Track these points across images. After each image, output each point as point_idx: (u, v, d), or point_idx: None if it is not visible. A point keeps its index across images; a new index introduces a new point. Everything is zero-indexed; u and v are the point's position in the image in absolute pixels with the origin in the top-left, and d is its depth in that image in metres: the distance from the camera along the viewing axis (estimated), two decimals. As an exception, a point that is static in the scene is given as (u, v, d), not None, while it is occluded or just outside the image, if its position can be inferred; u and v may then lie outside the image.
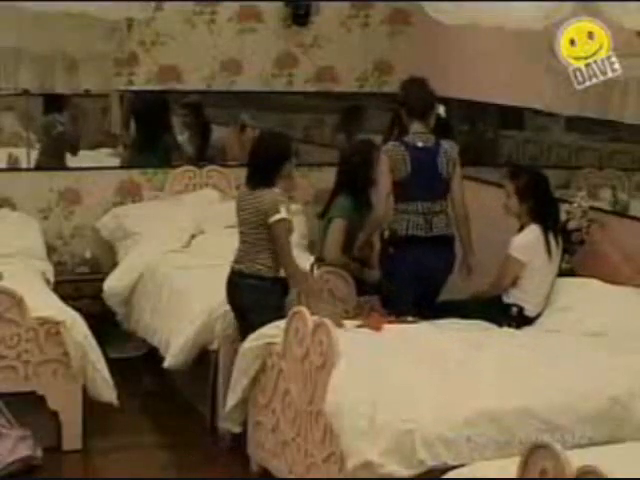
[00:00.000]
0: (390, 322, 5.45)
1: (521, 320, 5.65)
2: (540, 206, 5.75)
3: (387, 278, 6.00)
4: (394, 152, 5.92)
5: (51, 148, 7.58)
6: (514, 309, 5.69)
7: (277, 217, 5.34)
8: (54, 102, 7.54)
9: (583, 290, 5.72)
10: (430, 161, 5.94)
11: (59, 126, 7.56)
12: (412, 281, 5.89)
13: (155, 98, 7.69)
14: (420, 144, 5.95)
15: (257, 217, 5.40)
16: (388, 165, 5.90)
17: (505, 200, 5.87)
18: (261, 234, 5.41)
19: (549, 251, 5.68)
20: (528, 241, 5.70)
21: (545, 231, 5.70)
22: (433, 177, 5.95)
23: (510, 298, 5.73)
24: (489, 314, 5.61)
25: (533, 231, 5.72)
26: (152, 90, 7.58)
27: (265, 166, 5.45)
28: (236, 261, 5.54)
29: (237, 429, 5.51)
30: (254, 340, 5.23)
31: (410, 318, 5.65)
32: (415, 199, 5.91)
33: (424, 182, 5.91)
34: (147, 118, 7.76)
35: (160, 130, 7.76)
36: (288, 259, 5.44)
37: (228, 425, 5.54)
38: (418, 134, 5.97)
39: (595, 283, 5.76)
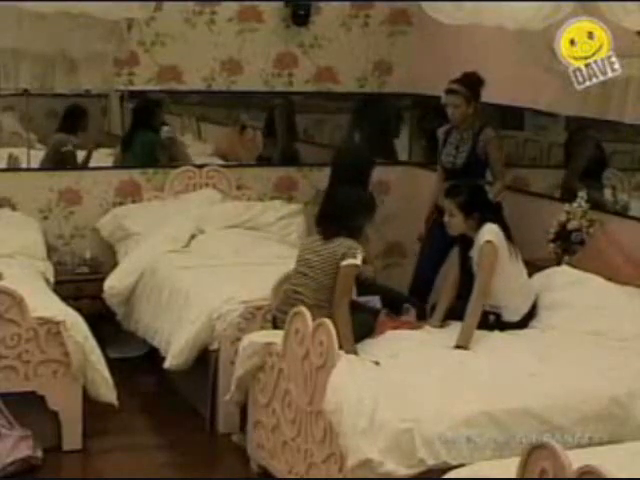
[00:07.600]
0: (395, 327, 5.45)
1: (501, 327, 5.49)
2: (486, 215, 5.57)
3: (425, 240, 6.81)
4: None
5: (54, 161, 7.59)
6: (491, 317, 5.51)
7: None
8: (71, 123, 7.62)
9: (584, 286, 5.71)
10: None
11: (69, 145, 7.57)
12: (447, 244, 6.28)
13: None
14: None
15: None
16: None
17: (447, 219, 5.66)
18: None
19: (510, 248, 5.55)
20: (492, 228, 5.49)
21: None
22: None
23: (485, 306, 5.48)
24: None
25: (491, 225, 5.52)
26: (152, 90, 7.59)
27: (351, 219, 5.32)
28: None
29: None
30: (254, 337, 5.27)
31: (414, 322, 5.65)
32: None
33: None
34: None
35: (138, 128, 7.75)
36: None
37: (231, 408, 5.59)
38: None
39: (596, 280, 5.74)
